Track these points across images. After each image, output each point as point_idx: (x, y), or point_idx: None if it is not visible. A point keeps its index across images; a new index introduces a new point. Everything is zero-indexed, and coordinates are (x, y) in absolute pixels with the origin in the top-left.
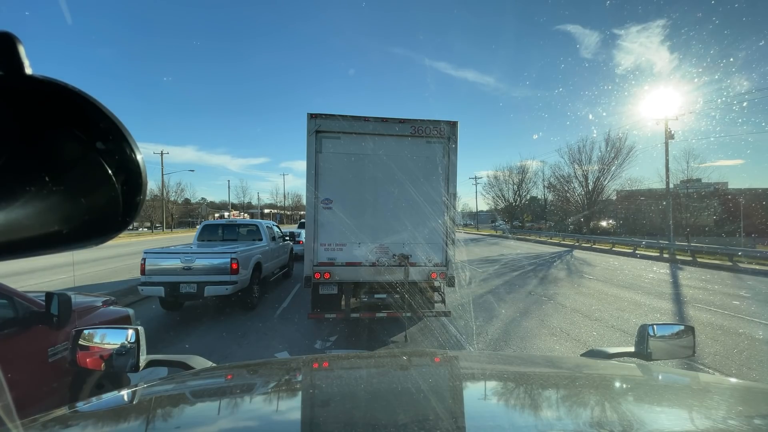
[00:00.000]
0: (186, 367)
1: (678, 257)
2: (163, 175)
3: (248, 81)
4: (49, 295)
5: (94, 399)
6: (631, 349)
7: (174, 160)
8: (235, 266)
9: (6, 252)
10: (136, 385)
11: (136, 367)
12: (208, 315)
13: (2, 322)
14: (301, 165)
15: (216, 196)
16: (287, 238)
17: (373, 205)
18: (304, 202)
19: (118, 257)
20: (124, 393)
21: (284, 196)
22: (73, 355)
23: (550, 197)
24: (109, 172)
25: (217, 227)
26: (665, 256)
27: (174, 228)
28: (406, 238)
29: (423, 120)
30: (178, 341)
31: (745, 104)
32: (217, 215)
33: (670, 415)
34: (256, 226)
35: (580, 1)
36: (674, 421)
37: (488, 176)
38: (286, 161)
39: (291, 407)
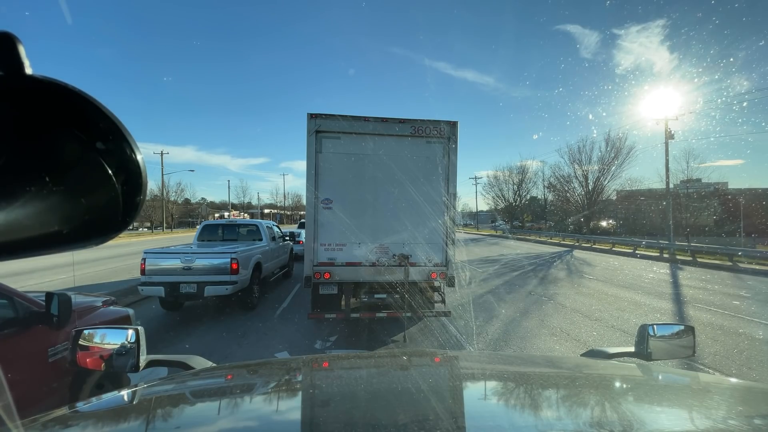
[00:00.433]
0: (186, 367)
1: (678, 257)
2: (163, 175)
3: (248, 81)
4: (49, 295)
5: (94, 399)
6: (631, 349)
7: (174, 160)
8: (235, 266)
9: (6, 252)
10: (136, 385)
11: (136, 367)
12: (208, 315)
13: (2, 322)
14: (301, 165)
15: (216, 196)
16: (287, 238)
17: (373, 205)
18: (304, 202)
19: (118, 257)
20: (124, 393)
21: (284, 196)
22: (73, 355)
23: (550, 197)
24: (109, 172)
25: (217, 227)
26: (665, 256)
27: (174, 228)
28: (406, 238)
29: (423, 120)
30: (178, 341)
31: (745, 104)
32: (217, 215)
33: (670, 415)
34: (256, 226)
35: (580, 1)
36: (674, 421)
37: (488, 176)
38: (286, 161)
39: (291, 407)
